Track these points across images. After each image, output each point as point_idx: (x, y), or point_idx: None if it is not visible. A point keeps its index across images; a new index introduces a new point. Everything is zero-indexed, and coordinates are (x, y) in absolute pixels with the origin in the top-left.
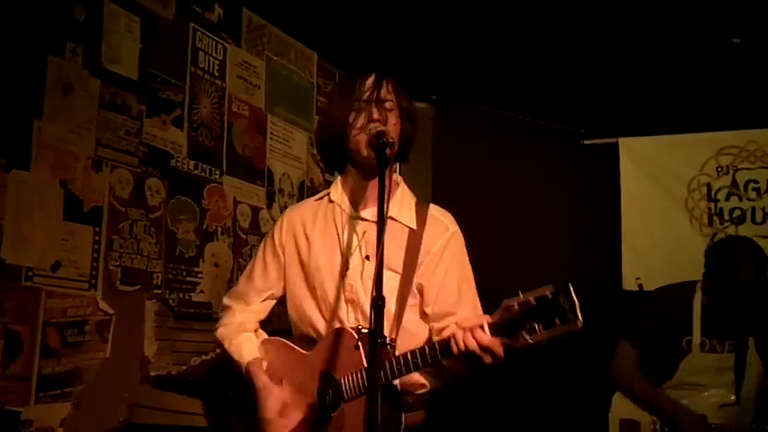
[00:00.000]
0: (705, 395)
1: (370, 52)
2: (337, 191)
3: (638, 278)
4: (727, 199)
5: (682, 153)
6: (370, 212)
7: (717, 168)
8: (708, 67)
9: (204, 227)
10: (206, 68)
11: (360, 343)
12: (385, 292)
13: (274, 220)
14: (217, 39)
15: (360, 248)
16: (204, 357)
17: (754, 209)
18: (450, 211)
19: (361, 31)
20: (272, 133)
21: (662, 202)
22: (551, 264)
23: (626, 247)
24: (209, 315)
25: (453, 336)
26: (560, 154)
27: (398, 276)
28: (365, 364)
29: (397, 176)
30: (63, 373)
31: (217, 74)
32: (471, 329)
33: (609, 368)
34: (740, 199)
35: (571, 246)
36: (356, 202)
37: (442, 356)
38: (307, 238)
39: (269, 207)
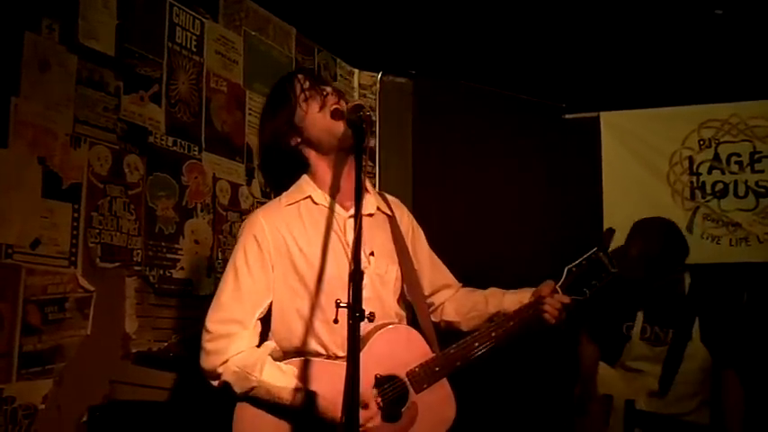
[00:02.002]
0: (640, 380)
1: (348, 27)
2: (316, 191)
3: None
4: (709, 172)
5: (664, 127)
6: (365, 205)
7: (699, 142)
8: (690, 39)
9: (184, 203)
10: (183, 44)
11: (417, 334)
12: (393, 284)
13: (254, 197)
14: (194, 14)
15: (365, 243)
16: (185, 334)
17: (736, 182)
18: (431, 187)
19: (340, 6)
20: (250, 109)
21: (643, 177)
22: (532, 239)
23: (607, 222)
24: (190, 292)
25: (540, 307)
26: (541, 129)
27: (397, 267)
28: (431, 353)
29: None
30: (44, 350)
31: (194, 49)
32: (551, 296)
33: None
34: (722, 172)
35: (552, 221)
36: (339, 198)
37: (534, 327)
38: (299, 247)
39: (248, 183)
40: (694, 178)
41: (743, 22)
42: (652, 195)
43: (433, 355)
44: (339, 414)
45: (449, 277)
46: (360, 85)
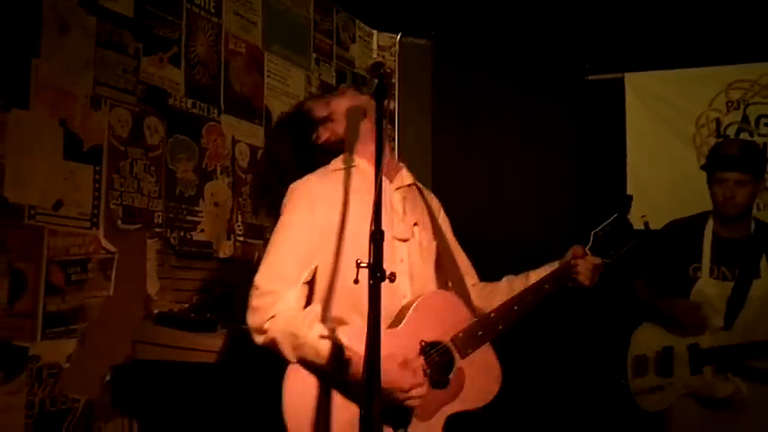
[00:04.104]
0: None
1: None
2: (362, 160)
3: (645, 216)
4: (737, 135)
5: (690, 88)
6: (399, 179)
7: (727, 103)
8: None
9: (203, 166)
10: (202, 5)
11: (457, 299)
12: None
13: None
14: None
15: (405, 216)
16: (206, 295)
17: (765, 144)
18: (450, 150)
19: None
20: (269, 71)
21: (669, 139)
22: (554, 203)
23: (632, 185)
24: (210, 254)
25: (574, 269)
26: (564, 90)
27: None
28: (473, 318)
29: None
30: (68, 310)
31: (213, 11)
32: (582, 258)
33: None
34: (751, 135)
35: (575, 184)
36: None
37: (563, 283)
38: (346, 212)
39: None
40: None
41: None
42: (677, 159)
43: (475, 319)
44: (384, 377)
45: (469, 265)
46: (379, 46)
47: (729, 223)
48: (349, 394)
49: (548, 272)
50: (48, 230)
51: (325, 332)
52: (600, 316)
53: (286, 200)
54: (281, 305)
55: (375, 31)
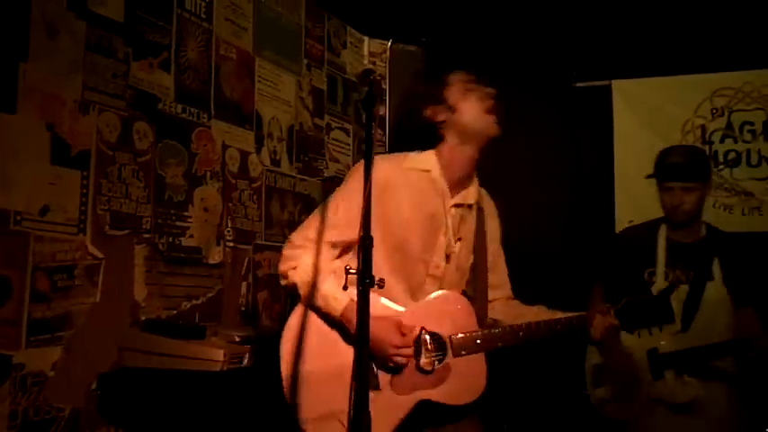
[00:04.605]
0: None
1: None
2: (436, 169)
3: (632, 221)
4: (721, 141)
5: (676, 95)
6: (462, 196)
7: (712, 110)
8: (703, 6)
9: (193, 171)
10: (192, 10)
11: (469, 307)
12: (467, 272)
13: (264, 165)
14: None
15: (452, 229)
16: (195, 302)
17: (749, 151)
18: None
19: None
20: (260, 76)
21: (656, 145)
22: (543, 209)
23: (619, 191)
24: (199, 260)
25: (590, 320)
26: (552, 97)
27: (472, 257)
28: (477, 327)
29: None
30: (53, 317)
31: (203, 16)
32: (607, 317)
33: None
34: (735, 141)
35: (564, 190)
36: (451, 185)
37: (575, 329)
38: (400, 210)
39: (258, 151)
40: (707, 147)
41: None
42: None
43: (478, 329)
44: (378, 331)
45: (505, 280)
46: (370, 52)
47: (681, 228)
48: (342, 343)
49: (570, 317)
50: (33, 236)
51: (337, 289)
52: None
53: (353, 171)
54: (305, 259)
55: (366, 38)
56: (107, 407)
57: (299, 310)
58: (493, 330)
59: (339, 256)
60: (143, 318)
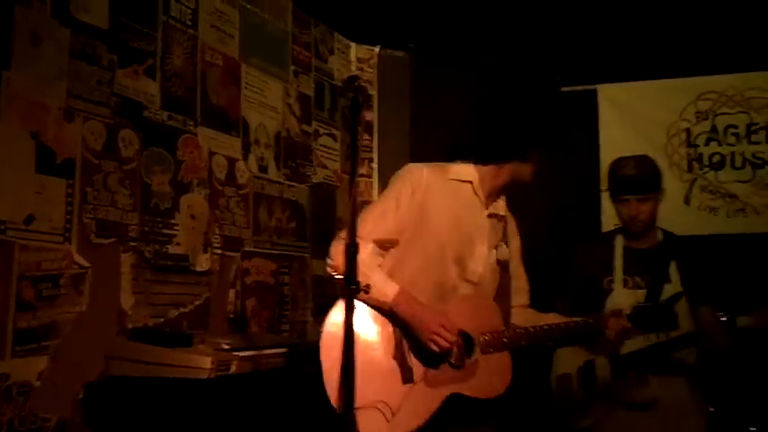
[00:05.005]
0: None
1: (345, 0)
2: (476, 180)
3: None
4: (706, 144)
5: (661, 99)
6: (494, 207)
7: (696, 114)
8: (687, 10)
9: (179, 178)
10: (178, 17)
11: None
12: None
13: (251, 172)
14: None
15: (488, 238)
16: (182, 309)
17: (733, 154)
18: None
19: None
20: (246, 83)
21: (641, 149)
22: (530, 213)
23: (605, 196)
24: (186, 267)
25: (605, 322)
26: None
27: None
28: (503, 326)
29: None
30: (39, 326)
31: (189, 23)
32: (620, 320)
33: None
34: (719, 144)
35: (550, 194)
36: (488, 198)
37: (591, 329)
38: (440, 216)
39: (245, 158)
40: (692, 150)
41: None
42: None
43: (505, 329)
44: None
45: (525, 288)
46: (357, 58)
47: (637, 237)
48: (385, 334)
49: (586, 319)
50: (18, 246)
51: (385, 279)
52: None
53: (401, 173)
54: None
55: (353, 44)
56: (94, 416)
57: (340, 304)
58: (518, 330)
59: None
60: (130, 326)
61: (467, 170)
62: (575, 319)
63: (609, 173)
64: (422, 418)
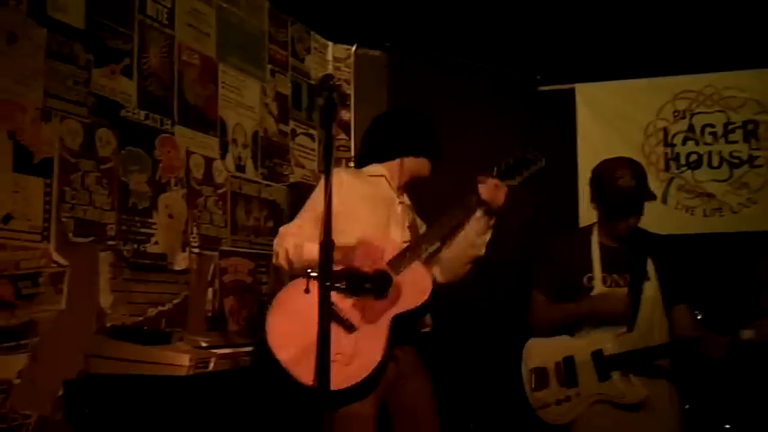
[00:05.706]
0: (603, 327)
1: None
2: (387, 174)
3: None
4: (683, 143)
5: (638, 98)
6: (404, 197)
7: (674, 113)
8: (665, 10)
9: (157, 178)
10: (154, 16)
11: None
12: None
13: (228, 171)
14: None
15: (401, 220)
16: (161, 308)
17: (710, 153)
18: None
19: None
20: (223, 82)
21: (619, 148)
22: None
23: (583, 194)
24: (165, 266)
25: (477, 191)
26: (516, 101)
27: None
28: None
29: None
30: (18, 325)
31: (166, 22)
32: (485, 180)
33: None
34: (697, 143)
35: (528, 192)
36: (398, 185)
37: (476, 207)
38: (362, 206)
39: (222, 157)
40: (669, 149)
41: None
42: None
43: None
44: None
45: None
46: (334, 58)
47: (616, 238)
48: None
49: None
50: None
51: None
52: (487, 332)
53: (320, 182)
54: (290, 240)
55: (330, 43)
56: (74, 414)
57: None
58: (415, 241)
59: None
60: (109, 324)
61: (376, 168)
62: (455, 207)
63: (596, 182)
64: (380, 351)
